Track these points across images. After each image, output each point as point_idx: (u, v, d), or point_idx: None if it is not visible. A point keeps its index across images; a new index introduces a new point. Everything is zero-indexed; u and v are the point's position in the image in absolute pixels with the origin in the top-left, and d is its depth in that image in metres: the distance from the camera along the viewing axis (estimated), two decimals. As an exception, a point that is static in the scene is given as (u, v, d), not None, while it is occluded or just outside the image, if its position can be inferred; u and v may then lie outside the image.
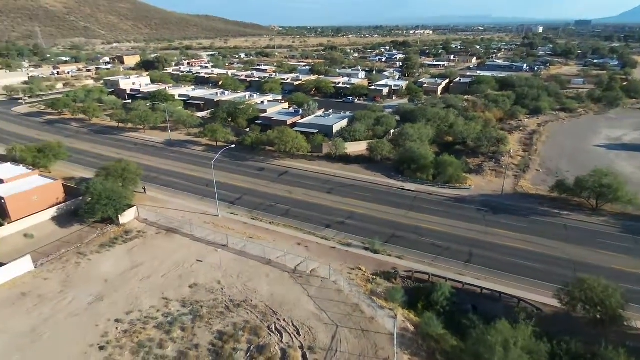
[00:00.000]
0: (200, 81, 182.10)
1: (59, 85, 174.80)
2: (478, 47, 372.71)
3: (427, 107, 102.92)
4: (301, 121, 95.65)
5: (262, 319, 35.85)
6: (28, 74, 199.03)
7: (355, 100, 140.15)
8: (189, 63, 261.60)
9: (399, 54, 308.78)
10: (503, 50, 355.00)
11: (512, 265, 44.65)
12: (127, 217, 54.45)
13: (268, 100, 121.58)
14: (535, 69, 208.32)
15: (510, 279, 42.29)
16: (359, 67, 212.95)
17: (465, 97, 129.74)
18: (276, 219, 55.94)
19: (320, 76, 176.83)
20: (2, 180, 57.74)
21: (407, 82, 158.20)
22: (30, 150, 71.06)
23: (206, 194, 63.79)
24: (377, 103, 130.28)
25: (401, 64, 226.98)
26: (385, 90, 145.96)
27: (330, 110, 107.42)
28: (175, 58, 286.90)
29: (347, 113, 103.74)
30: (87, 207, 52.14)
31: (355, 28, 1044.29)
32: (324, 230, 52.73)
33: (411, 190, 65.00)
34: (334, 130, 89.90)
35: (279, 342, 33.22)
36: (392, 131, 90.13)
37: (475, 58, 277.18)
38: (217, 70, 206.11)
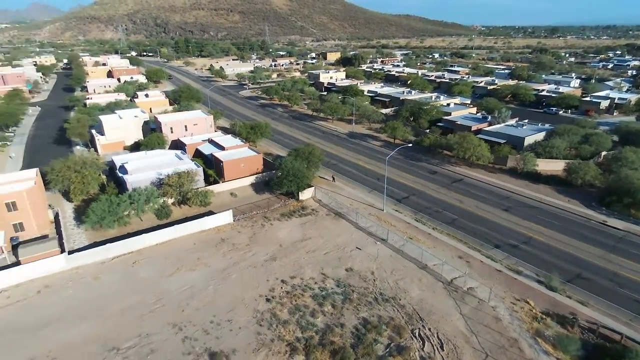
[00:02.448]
0: (389, 79, 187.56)
1: (274, 75, 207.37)
2: None
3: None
4: (488, 128, 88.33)
5: (407, 321, 35.62)
6: (254, 65, 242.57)
7: (560, 112, 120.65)
8: (382, 61, 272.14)
9: (633, 60, 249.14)
10: None
11: None
12: (305, 195, 61.61)
13: (455, 103, 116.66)
14: None
15: None
16: (573, 74, 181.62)
17: None
18: (440, 225, 53.91)
19: (521, 82, 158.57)
20: (224, 147, 72.85)
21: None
22: (245, 127, 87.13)
23: (376, 187, 66.18)
24: (589, 117, 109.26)
25: (635, 73, 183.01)
26: (604, 103, 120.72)
27: (525, 121, 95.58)
28: (371, 56, 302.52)
29: (546, 125, 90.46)
30: (277, 180, 61.19)
31: (577, 28, 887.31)
32: (492, 249, 48.13)
33: (617, 229, 52.72)
34: (526, 143, 79.85)
35: (420, 349, 32.50)
36: (603, 153, 74.69)
37: None
38: (407, 69, 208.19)
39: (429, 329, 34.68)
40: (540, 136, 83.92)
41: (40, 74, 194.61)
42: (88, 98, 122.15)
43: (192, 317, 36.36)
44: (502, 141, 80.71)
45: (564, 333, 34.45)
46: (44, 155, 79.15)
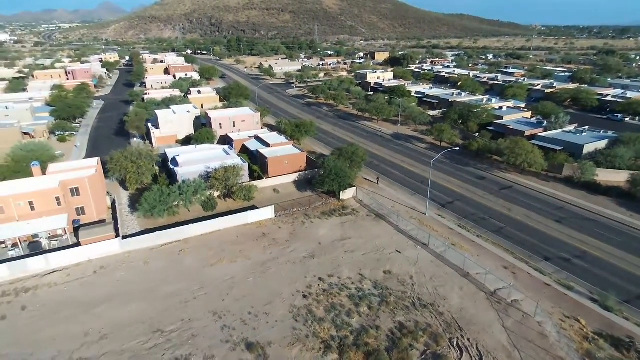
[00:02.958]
0: (439, 80, 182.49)
1: (321, 75, 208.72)
2: None
3: None
4: (543, 134, 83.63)
5: (445, 329, 34.67)
6: (302, 64, 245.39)
7: (626, 119, 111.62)
8: (432, 62, 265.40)
9: None
10: None
11: None
12: (346, 195, 61.62)
13: (507, 107, 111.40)
14: None
15: None
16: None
17: None
18: (485, 233, 51.86)
19: (582, 85, 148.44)
20: (269, 144, 74.44)
21: None
22: (291, 125, 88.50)
23: (419, 190, 64.81)
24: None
25: None
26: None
27: (586, 127, 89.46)
28: (420, 56, 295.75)
29: (609, 133, 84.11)
30: (319, 179, 61.67)
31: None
32: (541, 262, 45.60)
33: (687, 248, 48.05)
34: (585, 151, 74.75)
35: None
36: (675, 165, 68.20)
37: None
38: (458, 71, 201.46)
39: (468, 340, 33.53)
40: (601, 144, 78.23)
41: (105, 69, 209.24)
42: (146, 93, 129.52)
43: (231, 307, 37.63)
44: (559, 148, 76.10)
45: (618, 357, 32.03)
46: (105, 145, 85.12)
